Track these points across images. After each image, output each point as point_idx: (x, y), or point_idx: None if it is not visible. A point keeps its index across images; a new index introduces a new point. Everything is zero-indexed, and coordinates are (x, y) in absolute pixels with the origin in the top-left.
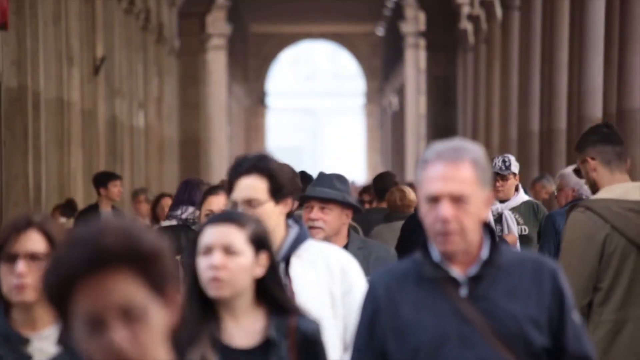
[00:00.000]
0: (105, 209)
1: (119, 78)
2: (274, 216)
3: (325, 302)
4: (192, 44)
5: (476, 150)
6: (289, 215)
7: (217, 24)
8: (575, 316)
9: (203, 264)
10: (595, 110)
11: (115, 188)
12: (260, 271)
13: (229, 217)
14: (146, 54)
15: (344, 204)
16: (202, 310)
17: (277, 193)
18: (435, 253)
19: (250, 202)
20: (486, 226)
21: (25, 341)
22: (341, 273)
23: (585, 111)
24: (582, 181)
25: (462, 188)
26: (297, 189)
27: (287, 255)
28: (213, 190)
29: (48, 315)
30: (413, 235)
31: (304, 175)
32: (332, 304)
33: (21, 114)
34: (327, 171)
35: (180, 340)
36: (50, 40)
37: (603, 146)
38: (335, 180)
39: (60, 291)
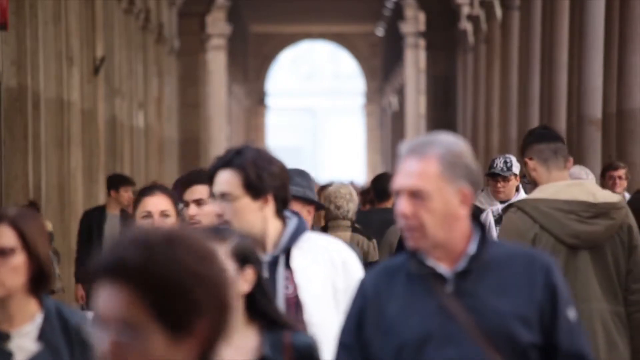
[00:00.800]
0: (113, 212)
1: (118, 78)
2: (252, 212)
3: (328, 294)
4: (192, 44)
5: (449, 144)
6: (281, 209)
7: (217, 24)
8: (571, 312)
9: None
10: (595, 110)
11: (126, 193)
12: (245, 287)
13: (210, 232)
14: (146, 54)
15: (305, 200)
16: None
17: (252, 188)
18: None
19: (224, 196)
20: (476, 221)
21: (5, 337)
22: (343, 266)
23: (585, 111)
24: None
25: (419, 184)
26: (281, 185)
27: (287, 247)
28: (147, 191)
29: (26, 311)
30: None
31: None
32: (335, 297)
33: (21, 114)
34: (290, 167)
35: None
36: (50, 40)
37: (538, 145)
38: (296, 176)
39: (90, 280)
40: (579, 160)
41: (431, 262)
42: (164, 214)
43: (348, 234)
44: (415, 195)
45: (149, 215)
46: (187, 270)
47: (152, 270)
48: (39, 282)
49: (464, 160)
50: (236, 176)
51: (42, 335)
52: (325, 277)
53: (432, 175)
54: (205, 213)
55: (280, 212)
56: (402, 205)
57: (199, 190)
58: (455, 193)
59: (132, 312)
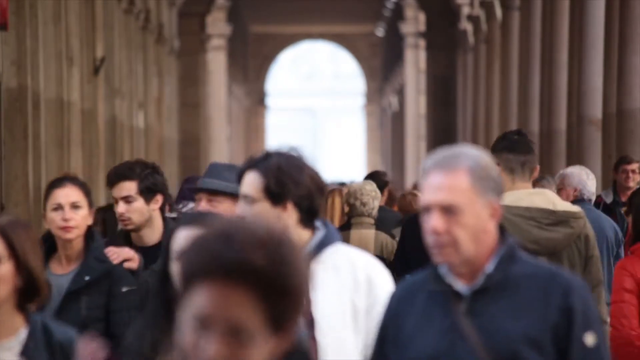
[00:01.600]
0: None
1: (119, 78)
2: (271, 218)
3: (345, 314)
4: (192, 44)
5: (476, 157)
6: (307, 219)
7: (217, 24)
8: (589, 337)
9: (176, 269)
10: (595, 110)
11: None
12: None
13: (199, 219)
14: (146, 54)
15: (235, 196)
16: (169, 316)
17: (272, 193)
18: (444, 265)
19: (245, 198)
20: (504, 235)
21: None
22: (367, 284)
23: (585, 111)
24: (585, 181)
25: (452, 198)
26: (307, 194)
27: None
28: (57, 182)
29: (10, 324)
30: (413, 240)
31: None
32: (354, 316)
33: (21, 114)
34: (220, 162)
35: (143, 350)
36: (50, 40)
37: (507, 154)
38: (225, 171)
39: (185, 281)
40: (579, 160)
41: (451, 278)
42: (74, 206)
43: (372, 231)
44: (447, 210)
45: (59, 207)
46: (299, 271)
47: (276, 273)
48: (27, 295)
49: (491, 172)
50: (258, 179)
51: (25, 351)
52: (345, 295)
53: (463, 189)
54: (135, 209)
55: (306, 221)
56: (434, 221)
57: (127, 187)
58: (485, 206)
59: (247, 315)
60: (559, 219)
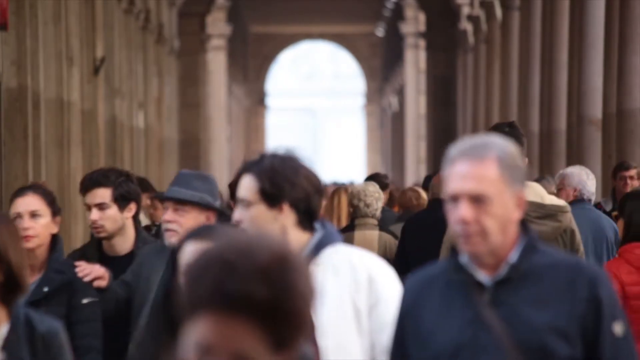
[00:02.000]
0: None
1: (119, 78)
2: (268, 221)
3: (347, 316)
4: (192, 44)
5: (504, 146)
6: (305, 220)
7: (217, 24)
8: (617, 327)
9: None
10: (595, 110)
11: (147, 200)
12: None
13: (206, 232)
14: (146, 54)
15: (202, 206)
16: (172, 330)
17: (268, 196)
18: (464, 255)
19: (241, 202)
20: (524, 228)
21: None
22: (368, 283)
23: (585, 111)
24: (585, 181)
25: (481, 187)
26: (304, 196)
27: None
28: (19, 192)
29: None
30: (413, 240)
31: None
32: (356, 317)
33: (21, 114)
34: (189, 170)
35: None
36: (50, 40)
37: None
38: (194, 180)
39: (188, 308)
40: (579, 160)
41: (472, 268)
42: (34, 215)
43: (376, 232)
44: (476, 199)
45: (19, 216)
46: (302, 295)
47: (280, 303)
48: (9, 289)
49: (518, 162)
50: (253, 182)
51: (7, 346)
52: (345, 296)
53: (492, 179)
54: (108, 217)
55: (304, 223)
56: (463, 211)
57: (100, 194)
58: (512, 197)
59: (250, 345)
60: (547, 213)
